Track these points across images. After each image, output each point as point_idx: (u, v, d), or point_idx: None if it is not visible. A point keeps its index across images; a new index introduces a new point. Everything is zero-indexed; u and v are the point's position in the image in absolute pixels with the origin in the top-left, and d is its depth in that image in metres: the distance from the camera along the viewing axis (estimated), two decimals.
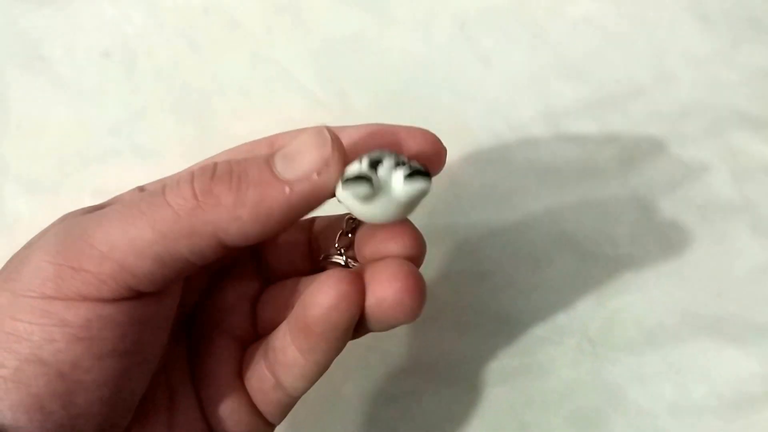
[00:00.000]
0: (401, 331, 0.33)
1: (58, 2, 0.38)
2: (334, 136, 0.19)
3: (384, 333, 0.22)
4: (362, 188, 0.18)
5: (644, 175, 0.35)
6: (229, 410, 0.22)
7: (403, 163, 0.19)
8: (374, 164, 0.19)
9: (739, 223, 0.34)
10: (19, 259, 0.19)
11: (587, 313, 0.34)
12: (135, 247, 0.18)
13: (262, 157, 0.19)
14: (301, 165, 0.19)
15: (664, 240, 0.34)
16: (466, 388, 0.33)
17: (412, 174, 0.19)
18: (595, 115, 0.36)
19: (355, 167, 0.19)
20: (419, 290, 0.20)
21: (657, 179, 0.35)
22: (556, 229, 0.35)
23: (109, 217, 0.19)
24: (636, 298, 0.34)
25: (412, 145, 0.21)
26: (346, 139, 0.20)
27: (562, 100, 0.36)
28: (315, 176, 0.19)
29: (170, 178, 0.21)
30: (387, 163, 0.19)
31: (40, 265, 0.18)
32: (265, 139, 0.23)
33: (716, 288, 0.33)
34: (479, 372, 0.33)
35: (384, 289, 0.19)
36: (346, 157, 0.19)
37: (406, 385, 0.33)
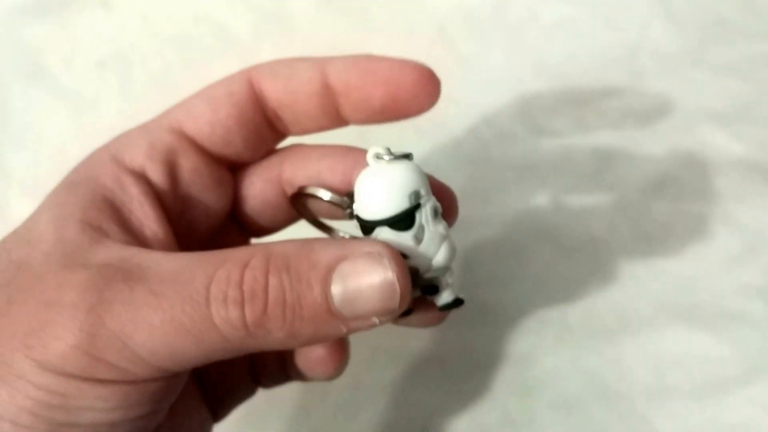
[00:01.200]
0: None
1: (57, 14, 0.39)
2: (403, 287, 0.17)
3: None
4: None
5: (619, 171, 0.37)
6: None
7: (430, 290, 0.20)
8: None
9: (711, 216, 0.36)
10: (38, 281, 0.18)
11: (567, 303, 0.35)
12: (176, 357, 0.17)
13: (319, 286, 0.17)
14: (365, 310, 0.18)
15: (640, 232, 0.36)
16: (450, 377, 0.34)
17: (449, 306, 0.20)
18: (571, 114, 0.37)
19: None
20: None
21: (631, 174, 0.37)
22: (536, 224, 0.36)
23: (149, 321, 0.17)
24: (613, 288, 0.35)
25: (407, 81, 0.21)
26: (338, 71, 0.21)
27: (540, 100, 0.37)
28: (376, 321, 0.18)
29: (208, 261, 0.18)
30: (415, 292, 0.20)
31: (66, 338, 0.17)
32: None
33: (689, 277, 0.35)
34: (462, 361, 0.34)
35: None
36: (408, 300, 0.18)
37: (388, 376, 0.34)
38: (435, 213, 0.19)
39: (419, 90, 0.21)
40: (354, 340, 0.34)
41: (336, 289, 0.17)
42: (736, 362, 0.33)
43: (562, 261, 0.36)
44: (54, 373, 0.17)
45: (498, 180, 0.37)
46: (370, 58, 0.22)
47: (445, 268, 0.19)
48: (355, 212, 0.19)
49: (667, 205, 0.36)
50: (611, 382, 0.34)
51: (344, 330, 0.18)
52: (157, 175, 0.21)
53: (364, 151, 0.19)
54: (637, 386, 0.33)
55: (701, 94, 0.37)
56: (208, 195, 0.23)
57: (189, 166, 0.22)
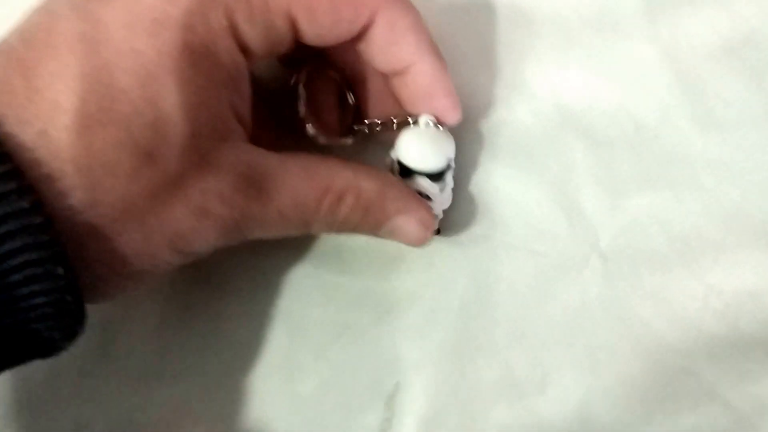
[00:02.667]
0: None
1: None
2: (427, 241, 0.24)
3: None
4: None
5: (677, 26, 0.26)
6: None
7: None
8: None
9: None
10: None
11: (597, 217, 0.24)
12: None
13: (377, 224, 0.23)
14: (395, 239, 0.23)
15: (707, 115, 0.25)
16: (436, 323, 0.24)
17: None
18: None
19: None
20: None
21: (692, 31, 0.25)
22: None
23: (272, 232, 0.22)
24: (665, 197, 0.24)
25: (437, 106, 0.23)
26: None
27: None
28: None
29: (318, 181, 0.22)
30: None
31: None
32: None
33: None
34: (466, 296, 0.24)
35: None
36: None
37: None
38: (453, 172, 0.24)
39: None
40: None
41: (385, 230, 0.23)
42: None
43: (591, 154, 0.24)
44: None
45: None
46: None
47: (441, 210, 0.24)
48: (401, 159, 0.23)
49: (746, 73, 0.25)
50: (658, 329, 0.24)
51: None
52: (258, 46, 0.20)
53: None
54: (696, 340, 0.24)
55: None
56: None
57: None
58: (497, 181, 0.25)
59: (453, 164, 0.24)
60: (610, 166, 0.25)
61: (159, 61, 0.18)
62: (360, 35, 0.22)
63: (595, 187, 0.25)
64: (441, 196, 0.24)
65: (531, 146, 0.25)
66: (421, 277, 0.25)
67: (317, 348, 0.25)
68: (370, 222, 0.22)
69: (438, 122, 0.23)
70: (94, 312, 0.19)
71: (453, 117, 0.23)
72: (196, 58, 0.19)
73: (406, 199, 0.23)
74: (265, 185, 0.20)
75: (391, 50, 0.22)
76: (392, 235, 0.23)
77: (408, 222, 0.23)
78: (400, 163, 0.23)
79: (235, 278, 0.26)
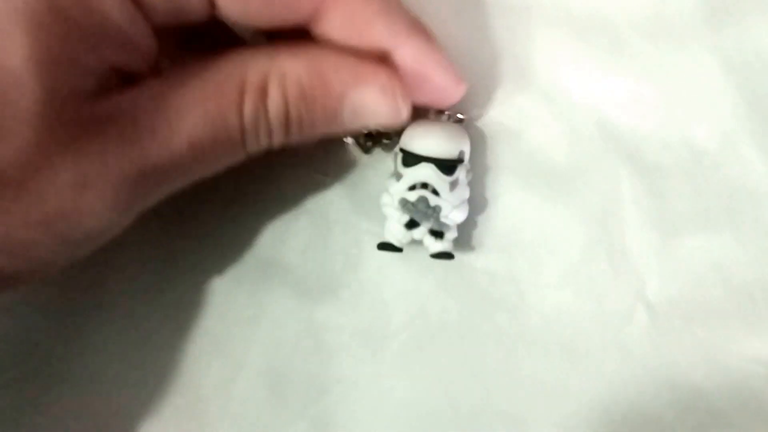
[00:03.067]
0: None
1: None
2: (406, 110, 0.19)
3: None
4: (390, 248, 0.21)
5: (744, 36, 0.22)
6: None
7: (436, 234, 0.21)
8: (411, 224, 0.21)
9: None
10: None
11: (645, 259, 0.21)
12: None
13: (332, 111, 0.18)
14: (369, 124, 0.19)
15: None
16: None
17: (440, 255, 0.21)
18: None
19: (394, 222, 0.21)
20: None
21: (762, 43, 0.22)
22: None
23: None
24: (725, 240, 0.20)
25: (433, 89, 0.19)
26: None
27: None
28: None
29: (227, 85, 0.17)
30: (422, 229, 0.21)
31: None
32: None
33: None
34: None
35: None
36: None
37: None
38: (467, 178, 0.21)
39: None
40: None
41: (347, 117, 0.18)
42: None
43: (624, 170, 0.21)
44: None
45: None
46: None
47: (455, 224, 0.21)
48: (404, 146, 0.20)
49: None
50: None
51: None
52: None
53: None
54: None
55: None
56: None
57: None
58: (528, 212, 0.21)
59: (468, 163, 0.21)
60: (662, 198, 0.21)
61: (5, 9, 0.15)
62: (315, 21, 0.18)
63: (643, 223, 0.21)
64: (451, 196, 0.20)
65: (568, 172, 0.21)
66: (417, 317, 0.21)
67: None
68: (319, 113, 0.18)
69: (452, 116, 0.21)
70: None
71: (454, 92, 0.19)
72: (60, 10, 0.15)
73: (354, 67, 0.18)
74: (159, 120, 0.16)
75: (358, 38, 0.18)
76: (358, 118, 0.18)
77: (367, 94, 0.18)
78: (403, 151, 0.20)
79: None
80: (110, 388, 0.21)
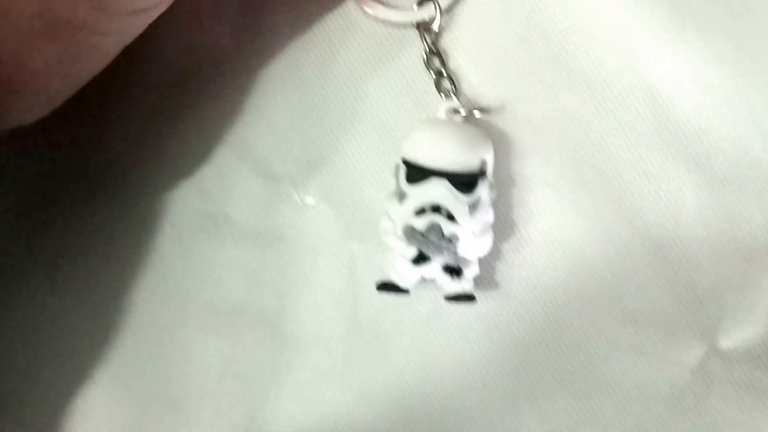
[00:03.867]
0: None
1: None
2: None
3: None
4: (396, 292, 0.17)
5: None
6: None
7: (452, 271, 0.17)
8: (419, 259, 0.17)
9: None
10: None
11: (718, 297, 0.17)
12: None
13: None
14: None
15: None
16: None
17: (458, 298, 0.17)
18: None
19: (397, 257, 0.17)
20: None
21: None
22: None
23: None
24: None
25: None
26: None
27: None
28: None
29: None
30: (435, 264, 0.17)
31: None
32: None
33: None
34: None
35: None
36: None
37: None
38: (491, 196, 0.17)
39: None
40: None
41: None
42: None
43: None
44: None
45: None
46: None
47: (476, 258, 0.17)
48: (407, 157, 0.17)
49: None
50: None
51: None
52: None
53: None
54: None
55: None
56: None
57: None
58: (570, 234, 0.17)
59: (491, 177, 0.17)
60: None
61: None
62: None
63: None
64: (471, 222, 0.16)
65: (620, 177, 0.17)
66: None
67: None
68: None
69: (470, 113, 0.17)
70: None
71: None
72: None
73: None
74: None
75: None
76: None
77: None
78: (406, 163, 0.17)
79: None
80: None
